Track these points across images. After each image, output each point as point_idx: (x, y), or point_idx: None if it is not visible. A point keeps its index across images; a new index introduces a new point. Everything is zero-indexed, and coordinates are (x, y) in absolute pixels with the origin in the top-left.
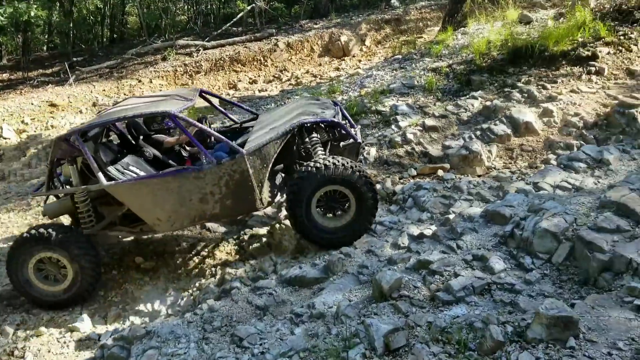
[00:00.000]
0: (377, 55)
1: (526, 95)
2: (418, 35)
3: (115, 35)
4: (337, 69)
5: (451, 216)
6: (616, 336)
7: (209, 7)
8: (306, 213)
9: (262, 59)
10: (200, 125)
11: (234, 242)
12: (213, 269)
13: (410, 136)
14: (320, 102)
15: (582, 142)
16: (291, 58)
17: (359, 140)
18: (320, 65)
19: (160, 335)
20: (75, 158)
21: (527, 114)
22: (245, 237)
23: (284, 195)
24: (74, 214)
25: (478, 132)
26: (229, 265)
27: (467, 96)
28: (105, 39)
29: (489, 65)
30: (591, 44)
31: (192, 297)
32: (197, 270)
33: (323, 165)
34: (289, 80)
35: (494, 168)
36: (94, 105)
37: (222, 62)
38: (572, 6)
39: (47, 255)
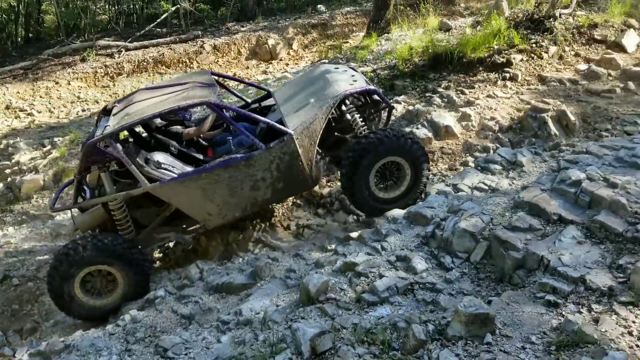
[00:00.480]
0: (305, 59)
1: (446, 100)
2: (344, 40)
3: (30, 35)
4: (265, 72)
5: (375, 218)
6: (529, 330)
7: (131, 6)
8: (365, 185)
9: (187, 61)
10: (241, 110)
11: (158, 249)
12: None
13: None
14: (341, 70)
15: (498, 145)
16: (218, 60)
17: (392, 105)
18: (247, 68)
19: (80, 349)
20: (106, 164)
21: (447, 118)
22: (170, 245)
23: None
24: (106, 224)
25: None
26: (153, 274)
27: (391, 101)
28: (20, 39)
29: (412, 71)
30: (506, 51)
31: None
32: None
33: (384, 137)
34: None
35: None
36: (7, 108)
37: (145, 63)
38: (488, 15)
39: (97, 268)
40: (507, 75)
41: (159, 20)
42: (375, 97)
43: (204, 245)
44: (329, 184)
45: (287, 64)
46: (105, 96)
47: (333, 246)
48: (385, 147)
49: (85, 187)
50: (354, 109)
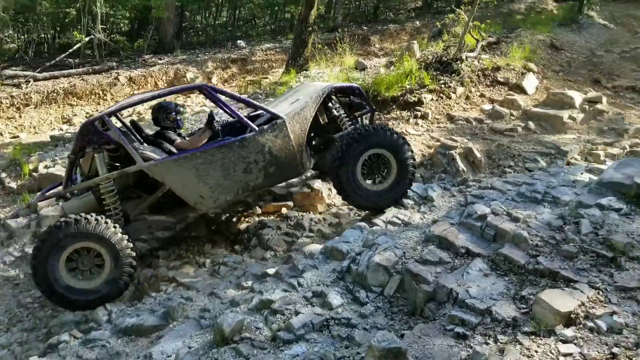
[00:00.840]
0: None
1: None
2: (263, 75)
3: None
4: (183, 105)
5: (293, 253)
6: None
7: (42, 35)
8: (352, 175)
9: (101, 92)
10: (244, 98)
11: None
12: (38, 321)
13: None
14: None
15: None
16: (133, 93)
17: (374, 107)
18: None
19: None
20: (101, 145)
21: None
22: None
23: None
24: (97, 211)
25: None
26: (56, 317)
27: None
28: None
29: None
30: (417, 91)
31: (13, 356)
32: (20, 323)
33: (369, 130)
34: (130, 115)
35: (334, 205)
36: None
37: (55, 94)
38: (400, 56)
39: (82, 245)
40: (419, 113)
41: (71, 50)
42: (357, 99)
43: None
44: (246, 219)
45: (205, 98)
46: (10, 128)
47: (249, 283)
48: (370, 139)
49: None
50: (339, 106)
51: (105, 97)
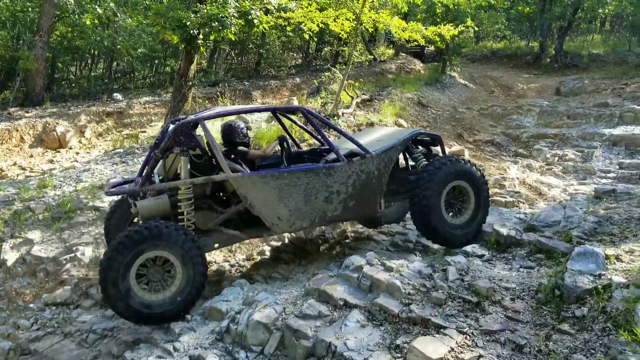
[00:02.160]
0: (98, 147)
1: None
2: (141, 129)
3: None
4: (52, 161)
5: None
6: None
7: None
8: (437, 211)
9: None
10: (338, 128)
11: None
12: None
13: None
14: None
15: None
16: None
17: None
18: (31, 156)
19: None
20: (190, 149)
21: None
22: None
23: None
24: (168, 217)
25: None
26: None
27: None
28: None
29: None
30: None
31: None
32: None
33: (454, 160)
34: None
35: (214, 262)
36: None
37: None
38: None
39: (156, 254)
40: None
41: None
42: (436, 149)
43: None
44: None
45: (77, 153)
46: None
47: (120, 352)
48: (452, 170)
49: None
50: (419, 154)
51: None
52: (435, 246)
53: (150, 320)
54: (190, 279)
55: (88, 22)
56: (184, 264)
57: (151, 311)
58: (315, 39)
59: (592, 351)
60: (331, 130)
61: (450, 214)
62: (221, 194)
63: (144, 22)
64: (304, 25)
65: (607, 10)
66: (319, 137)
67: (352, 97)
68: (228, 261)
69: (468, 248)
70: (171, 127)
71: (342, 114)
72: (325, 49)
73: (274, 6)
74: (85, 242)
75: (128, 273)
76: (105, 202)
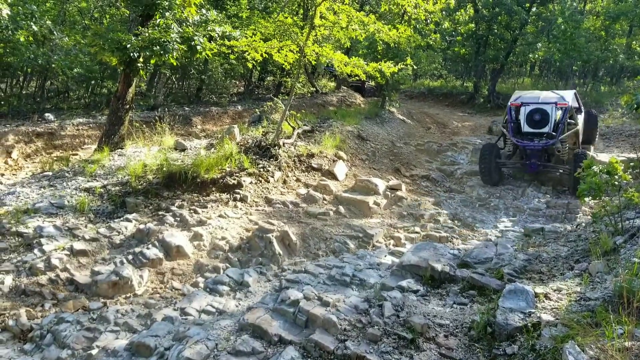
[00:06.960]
0: (25, 170)
1: (179, 219)
2: (73, 152)
3: None
4: None
5: (94, 352)
6: None
7: None
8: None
9: None
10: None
11: None
12: None
13: (55, 262)
14: None
15: (227, 265)
16: None
17: None
18: None
19: None
20: None
21: (178, 238)
22: None
23: None
24: None
25: (130, 257)
26: None
27: (122, 218)
28: None
29: (145, 188)
30: (237, 174)
31: None
32: None
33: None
34: None
35: (146, 293)
36: None
37: None
38: (221, 138)
39: None
40: (238, 196)
41: None
42: None
43: None
44: (40, 312)
45: (2, 174)
46: None
47: None
48: None
49: None
50: None
51: None
52: (372, 280)
53: None
54: None
55: (22, 39)
56: None
57: None
58: (259, 68)
59: None
60: None
61: None
62: None
63: (82, 41)
64: (248, 54)
65: (537, 56)
66: None
67: (294, 128)
68: (159, 293)
69: (403, 283)
70: None
71: (283, 144)
72: (268, 78)
73: (217, 34)
74: (5, 269)
75: None
76: (30, 228)
